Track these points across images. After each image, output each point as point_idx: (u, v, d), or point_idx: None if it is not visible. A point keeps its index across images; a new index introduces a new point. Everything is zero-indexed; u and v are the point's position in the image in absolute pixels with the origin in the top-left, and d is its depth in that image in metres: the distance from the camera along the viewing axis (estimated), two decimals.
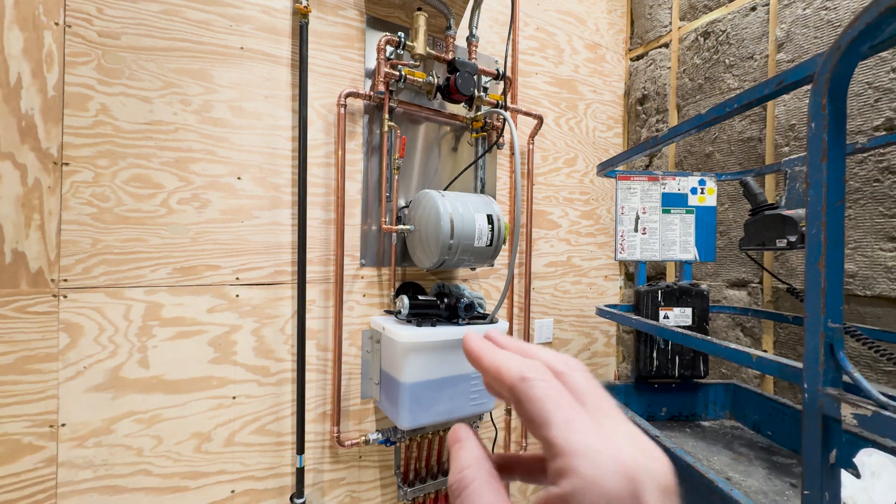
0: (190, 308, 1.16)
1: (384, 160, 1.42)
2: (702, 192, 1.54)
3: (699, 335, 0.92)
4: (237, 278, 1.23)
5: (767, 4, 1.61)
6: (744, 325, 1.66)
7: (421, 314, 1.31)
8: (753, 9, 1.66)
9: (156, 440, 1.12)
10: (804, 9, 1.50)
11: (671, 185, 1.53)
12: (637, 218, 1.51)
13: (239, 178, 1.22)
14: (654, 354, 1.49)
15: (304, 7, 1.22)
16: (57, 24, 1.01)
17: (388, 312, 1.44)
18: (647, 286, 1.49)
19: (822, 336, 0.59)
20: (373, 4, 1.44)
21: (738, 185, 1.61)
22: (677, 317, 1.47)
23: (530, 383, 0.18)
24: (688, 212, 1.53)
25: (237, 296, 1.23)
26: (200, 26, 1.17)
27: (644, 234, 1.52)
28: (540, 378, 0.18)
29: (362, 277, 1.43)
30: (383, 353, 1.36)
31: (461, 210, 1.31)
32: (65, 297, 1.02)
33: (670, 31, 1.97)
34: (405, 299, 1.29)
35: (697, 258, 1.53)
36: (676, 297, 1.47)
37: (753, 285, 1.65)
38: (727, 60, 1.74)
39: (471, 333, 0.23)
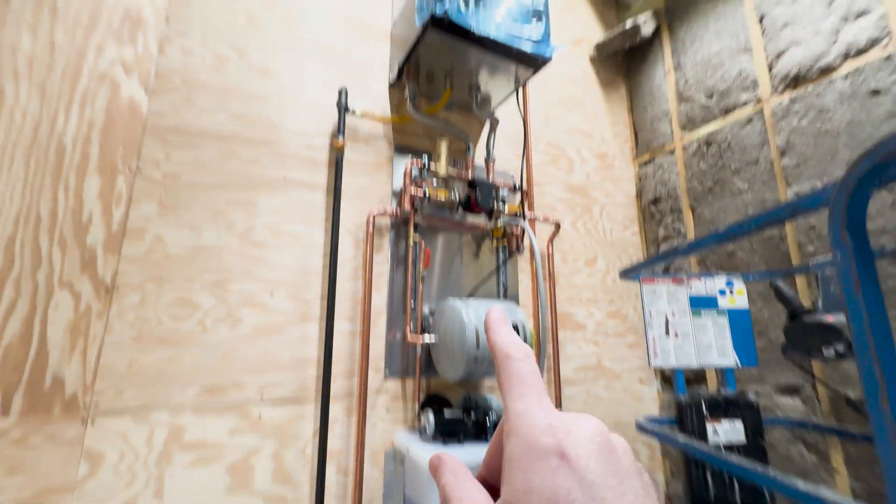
0: (212, 430, 1.14)
1: (409, 271, 1.47)
2: (731, 294, 1.51)
3: (761, 468, 0.83)
4: (261, 396, 1.21)
5: (763, 117, 1.74)
6: (805, 440, 1.50)
7: (447, 431, 1.24)
8: (750, 121, 1.79)
9: None
10: (799, 121, 1.61)
11: (698, 287, 1.51)
12: (667, 322, 1.47)
13: (272, 295, 1.28)
14: (709, 477, 1.33)
15: (341, 144, 1.39)
16: (130, 168, 1.17)
17: (413, 430, 1.36)
18: (690, 396, 1.39)
19: None
20: (399, 134, 1.63)
21: (769, 286, 1.57)
22: (727, 432, 1.34)
23: (511, 361, 0.21)
24: (720, 314, 1.49)
25: (260, 416, 1.20)
26: (251, 163, 1.33)
27: (677, 338, 1.46)
28: (519, 359, 0.21)
29: (386, 391, 1.39)
30: (407, 476, 1.26)
31: None
32: (92, 422, 1.02)
33: (673, 140, 2.12)
34: (430, 415, 1.24)
35: (739, 364, 1.44)
36: (723, 408, 1.36)
37: (807, 392, 1.52)
38: (733, 165, 1.83)
39: (495, 307, 0.25)
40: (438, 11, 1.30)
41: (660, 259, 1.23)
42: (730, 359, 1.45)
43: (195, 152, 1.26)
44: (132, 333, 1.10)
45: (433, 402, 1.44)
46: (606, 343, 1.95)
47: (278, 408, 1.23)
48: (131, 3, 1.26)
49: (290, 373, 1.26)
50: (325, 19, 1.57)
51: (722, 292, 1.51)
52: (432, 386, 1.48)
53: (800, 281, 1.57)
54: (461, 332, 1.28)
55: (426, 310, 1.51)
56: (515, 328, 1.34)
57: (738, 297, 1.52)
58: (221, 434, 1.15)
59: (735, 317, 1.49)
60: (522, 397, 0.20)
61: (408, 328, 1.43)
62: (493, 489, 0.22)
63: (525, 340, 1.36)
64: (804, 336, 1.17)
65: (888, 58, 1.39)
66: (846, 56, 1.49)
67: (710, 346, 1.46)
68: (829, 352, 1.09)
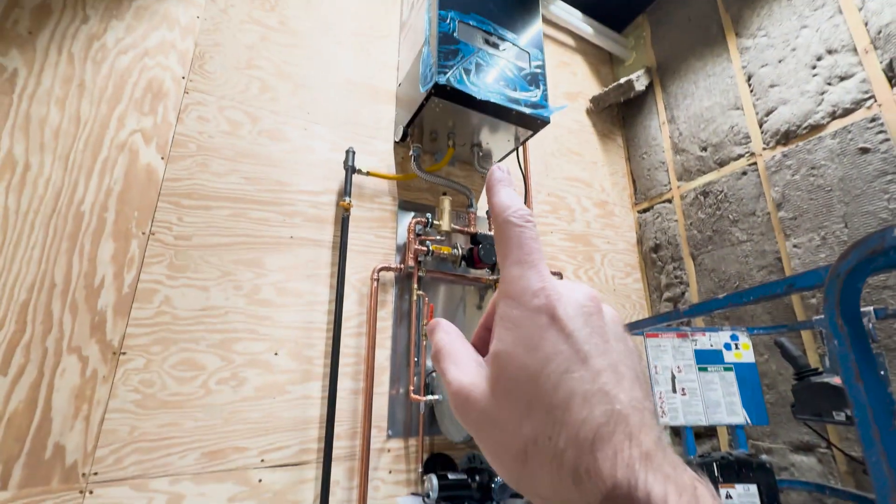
0: (212, 498, 1.11)
1: (413, 326, 1.48)
2: (736, 348, 1.49)
3: None
4: (262, 460, 1.19)
5: (757, 170, 1.79)
6: (825, 503, 1.44)
7: (451, 496, 1.20)
8: (744, 173, 1.84)
9: None
10: (792, 175, 1.65)
11: (702, 342, 1.50)
12: (673, 377, 1.45)
13: (276, 354, 1.28)
14: None
15: (348, 204, 1.44)
16: (143, 233, 1.21)
17: (416, 494, 1.33)
18: (700, 458, 1.35)
19: None
20: (404, 190, 1.68)
21: (774, 341, 1.56)
22: (741, 496, 1.29)
23: (510, 226, 0.21)
24: (726, 369, 1.47)
25: (260, 480, 1.17)
26: (259, 223, 1.37)
27: (684, 394, 1.44)
28: (518, 224, 0.21)
29: (389, 450, 1.37)
30: None
31: None
32: (91, 492, 1.01)
33: (670, 189, 2.17)
34: (434, 480, 1.21)
35: (749, 421, 1.41)
36: (736, 471, 1.31)
37: (822, 450, 1.47)
38: (731, 216, 1.86)
39: (498, 166, 0.24)
40: (441, 80, 1.38)
41: (661, 319, 1.24)
42: (739, 416, 1.42)
43: (207, 214, 1.30)
44: (136, 397, 1.10)
45: (436, 462, 1.41)
46: None
47: (279, 472, 1.20)
48: (154, 76, 1.35)
49: (292, 434, 1.24)
50: (334, 85, 1.66)
51: (727, 346, 1.50)
52: (436, 444, 1.45)
53: (805, 335, 1.56)
54: None
55: (430, 364, 1.50)
56: None
57: (743, 350, 1.50)
58: (220, 502, 1.12)
59: (742, 371, 1.47)
60: (519, 263, 0.20)
61: (411, 386, 1.42)
62: (483, 353, 0.22)
63: None
64: (813, 397, 1.15)
65: (873, 118, 1.44)
66: (833, 115, 1.55)
67: (719, 403, 1.43)
68: (839, 416, 1.07)
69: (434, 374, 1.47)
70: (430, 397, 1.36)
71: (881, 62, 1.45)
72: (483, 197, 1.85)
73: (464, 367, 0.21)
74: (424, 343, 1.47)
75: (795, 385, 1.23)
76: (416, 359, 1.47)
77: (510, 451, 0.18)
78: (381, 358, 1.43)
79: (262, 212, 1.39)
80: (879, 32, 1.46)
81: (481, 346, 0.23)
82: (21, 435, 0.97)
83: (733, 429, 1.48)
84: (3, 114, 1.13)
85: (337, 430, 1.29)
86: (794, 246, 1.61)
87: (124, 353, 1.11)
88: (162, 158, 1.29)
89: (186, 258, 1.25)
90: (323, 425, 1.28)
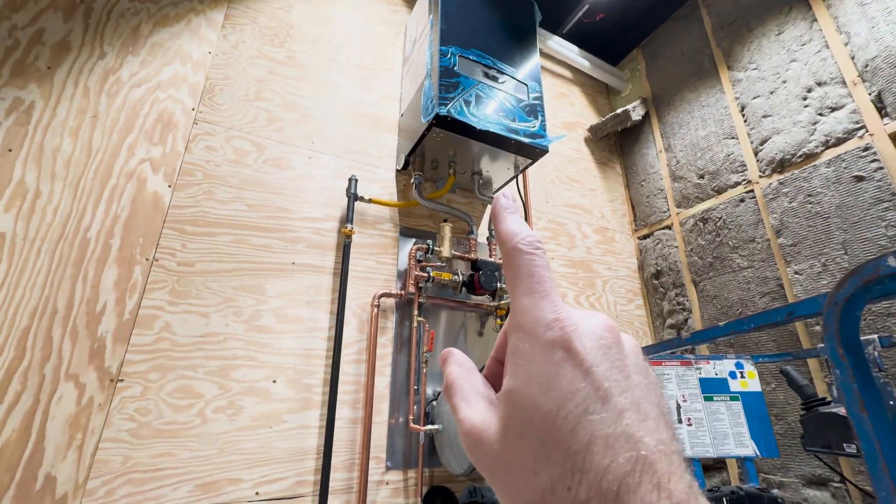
0: None
1: (413, 353, 1.47)
2: (742, 377, 1.47)
3: None
4: (257, 493, 1.16)
5: (754, 197, 1.81)
6: None
7: None
8: (742, 200, 1.86)
9: None
10: (790, 202, 1.67)
11: (707, 370, 1.47)
12: (679, 407, 1.42)
13: (274, 382, 1.27)
14: None
15: (350, 230, 1.45)
16: (147, 259, 1.23)
17: None
18: (709, 492, 1.30)
19: None
20: (405, 217, 1.70)
21: (779, 370, 1.54)
22: None
23: (519, 254, 0.20)
24: (732, 398, 1.44)
25: None
26: (261, 249, 1.39)
27: (690, 425, 1.41)
28: (527, 252, 0.20)
29: (387, 483, 1.33)
30: None
31: None
32: None
33: (670, 215, 2.19)
34: None
35: (758, 454, 1.37)
36: None
37: (836, 484, 1.42)
38: (731, 242, 1.87)
39: (503, 194, 0.23)
40: (442, 111, 1.42)
41: (664, 347, 1.22)
42: (748, 448, 1.38)
43: (210, 240, 1.32)
44: (131, 426, 1.08)
45: (436, 495, 1.36)
46: None
47: None
48: (165, 108, 1.40)
49: (288, 466, 1.21)
50: (339, 115, 1.71)
51: (732, 374, 1.48)
52: (436, 477, 1.40)
53: (812, 363, 1.53)
54: None
55: (430, 392, 1.48)
56: None
57: (749, 379, 1.48)
58: None
59: (748, 401, 1.44)
60: (530, 293, 0.19)
61: (410, 415, 1.39)
62: (496, 387, 0.20)
63: None
64: (822, 429, 1.12)
65: (866, 148, 1.47)
66: (826, 144, 1.58)
67: (727, 434, 1.40)
68: (850, 448, 1.04)
69: (434, 403, 1.44)
70: (429, 427, 1.33)
71: (870, 94, 1.49)
72: (483, 223, 1.87)
73: (475, 405, 0.19)
74: (424, 371, 1.45)
75: (803, 415, 1.20)
76: (415, 387, 1.44)
77: (525, 497, 0.16)
78: (380, 385, 1.41)
79: (265, 238, 1.40)
80: (866, 66, 1.50)
81: (494, 380, 0.22)
82: (12, 465, 0.95)
83: (743, 461, 1.44)
84: (17, 144, 1.16)
85: (334, 461, 1.26)
86: (796, 273, 1.61)
87: (122, 381, 1.11)
88: (169, 186, 1.32)
89: (188, 284, 1.25)
90: (320, 456, 1.25)
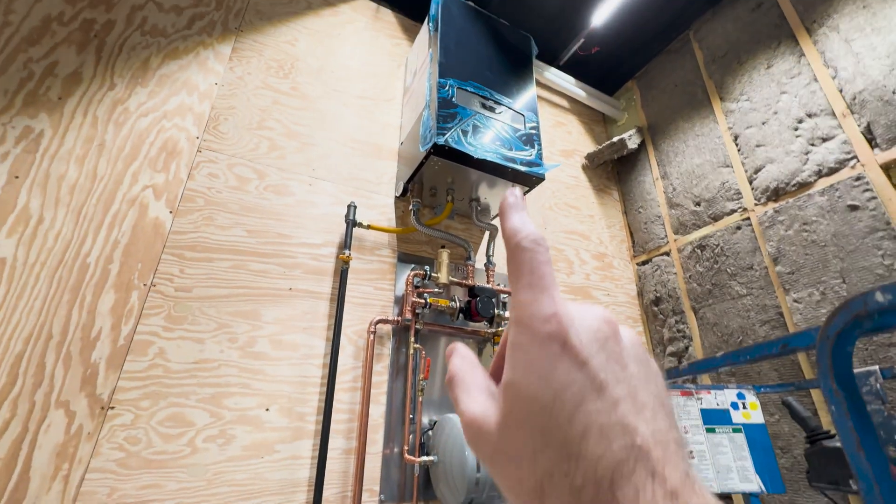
0: None
1: (409, 381, 1.45)
2: (744, 408, 1.44)
3: None
4: None
5: (751, 225, 1.82)
6: None
7: None
8: (739, 228, 1.87)
9: None
10: (786, 230, 1.67)
11: (708, 400, 1.45)
12: None
13: (267, 410, 1.25)
14: None
15: (347, 257, 1.46)
16: (145, 284, 1.23)
17: None
18: None
19: None
20: (403, 243, 1.71)
21: (781, 401, 1.51)
22: None
23: (521, 250, 0.20)
24: (735, 430, 1.41)
25: None
26: (259, 275, 1.39)
27: (692, 458, 1.37)
28: (529, 248, 0.20)
29: None
30: None
31: None
32: None
33: (667, 242, 2.20)
34: None
35: (763, 489, 1.32)
36: None
37: None
38: (729, 269, 1.87)
39: (511, 192, 0.23)
40: (440, 141, 1.46)
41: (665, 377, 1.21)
42: (753, 483, 1.33)
43: (208, 266, 1.33)
44: (119, 456, 1.06)
45: None
46: None
47: None
48: (170, 136, 1.43)
49: (279, 499, 1.18)
50: (339, 143, 1.75)
51: (734, 405, 1.45)
52: None
53: (816, 393, 1.50)
54: (461, 452, 1.21)
55: (426, 421, 1.45)
56: None
57: (751, 410, 1.45)
58: None
59: (752, 433, 1.41)
60: (530, 288, 0.19)
61: (405, 446, 1.36)
62: (500, 382, 0.20)
63: None
64: (827, 464, 1.09)
65: (858, 177, 1.49)
66: (819, 174, 1.60)
67: (730, 468, 1.36)
68: (857, 485, 1.01)
69: (430, 433, 1.41)
70: (424, 459, 1.30)
71: (859, 125, 1.52)
72: (481, 249, 1.88)
73: (476, 398, 0.20)
74: (420, 399, 1.43)
75: (808, 449, 1.17)
76: (411, 416, 1.42)
77: (525, 486, 0.17)
78: (375, 414, 1.39)
79: (263, 264, 1.41)
80: (854, 98, 1.54)
81: (498, 375, 0.22)
82: None
83: (748, 497, 1.39)
84: (24, 171, 1.19)
85: (326, 493, 1.23)
86: (795, 301, 1.60)
87: (112, 408, 1.09)
88: (170, 212, 1.34)
89: (184, 310, 1.25)
90: (312, 488, 1.22)
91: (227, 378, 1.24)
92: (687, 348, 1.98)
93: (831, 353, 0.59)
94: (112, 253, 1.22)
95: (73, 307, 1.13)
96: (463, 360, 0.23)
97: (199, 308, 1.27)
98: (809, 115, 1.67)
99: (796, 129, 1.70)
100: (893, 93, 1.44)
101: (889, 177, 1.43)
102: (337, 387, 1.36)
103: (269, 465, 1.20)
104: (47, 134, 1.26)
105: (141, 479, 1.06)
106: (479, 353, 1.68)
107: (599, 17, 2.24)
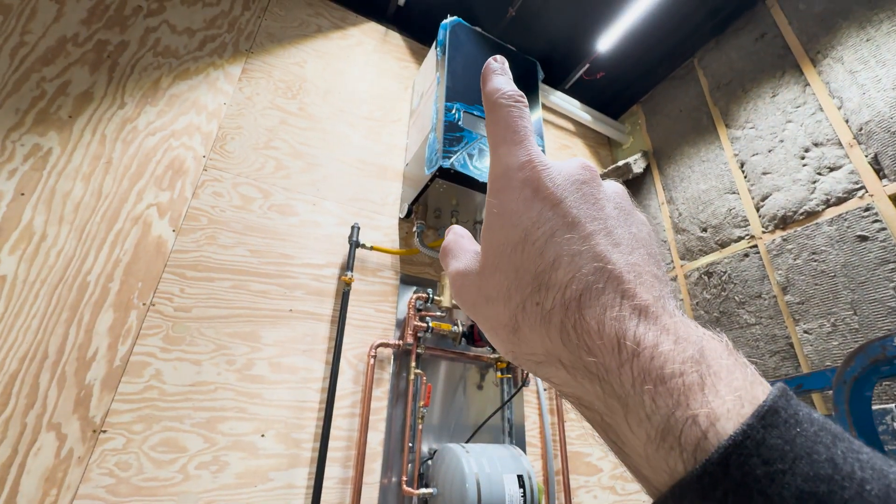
0: None
1: (409, 407, 1.41)
2: None
3: None
4: None
5: (758, 253, 1.79)
6: None
7: None
8: (746, 255, 1.84)
9: None
10: (794, 259, 1.65)
11: None
12: None
13: (262, 436, 1.22)
14: None
15: (349, 278, 1.45)
16: (144, 304, 1.22)
17: None
18: None
19: None
20: (406, 265, 1.70)
21: None
22: None
23: (500, 107, 0.20)
24: None
25: None
26: (259, 295, 1.38)
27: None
28: (507, 105, 0.20)
29: None
30: None
31: (488, 469, 1.21)
32: None
33: (674, 267, 2.17)
34: None
35: None
36: None
37: None
38: (737, 298, 1.84)
39: (494, 58, 0.23)
40: (445, 164, 1.46)
41: None
42: None
43: (209, 286, 1.32)
44: (108, 482, 1.03)
45: None
46: (626, 490, 1.75)
47: None
48: (177, 155, 1.44)
49: None
50: (345, 164, 1.76)
51: None
52: None
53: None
54: (461, 484, 1.17)
55: (425, 449, 1.41)
56: (520, 480, 1.23)
57: None
58: None
59: None
60: (505, 142, 0.19)
61: (404, 476, 1.32)
62: None
63: (532, 494, 1.24)
64: None
65: (867, 208, 1.47)
66: (827, 203, 1.59)
67: None
68: None
69: (429, 463, 1.37)
70: (423, 491, 1.25)
71: (866, 156, 1.51)
72: None
73: (462, 259, 0.21)
74: (420, 427, 1.39)
75: None
76: (410, 444, 1.38)
77: (502, 321, 0.18)
78: (373, 442, 1.35)
79: (264, 284, 1.40)
80: (861, 129, 1.54)
81: None
82: None
83: None
84: (31, 188, 1.20)
85: None
86: (806, 332, 1.57)
87: (105, 432, 1.07)
88: (173, 231, 1.33)
89: (183, 330, 1.24)
90: None
91: (224, 402, 1.21)
92: None
93: (849, 398, 0.56)
94: (113, 271, 1.21)
95: (70, 326, 1.12)
96: (455, 234, 0.24)
97: (198, 329, 1.26)
98: (816, 145, 1.67)
99: (803, 158, 1.70)
100: None
101: None
102: (335, 412, 1.32)
103: (262, 494, 1.16)
104: (55, 152, 1.27)
105: None
106: (482, 378, 1.64)
107: (605, 43, 2.27)
